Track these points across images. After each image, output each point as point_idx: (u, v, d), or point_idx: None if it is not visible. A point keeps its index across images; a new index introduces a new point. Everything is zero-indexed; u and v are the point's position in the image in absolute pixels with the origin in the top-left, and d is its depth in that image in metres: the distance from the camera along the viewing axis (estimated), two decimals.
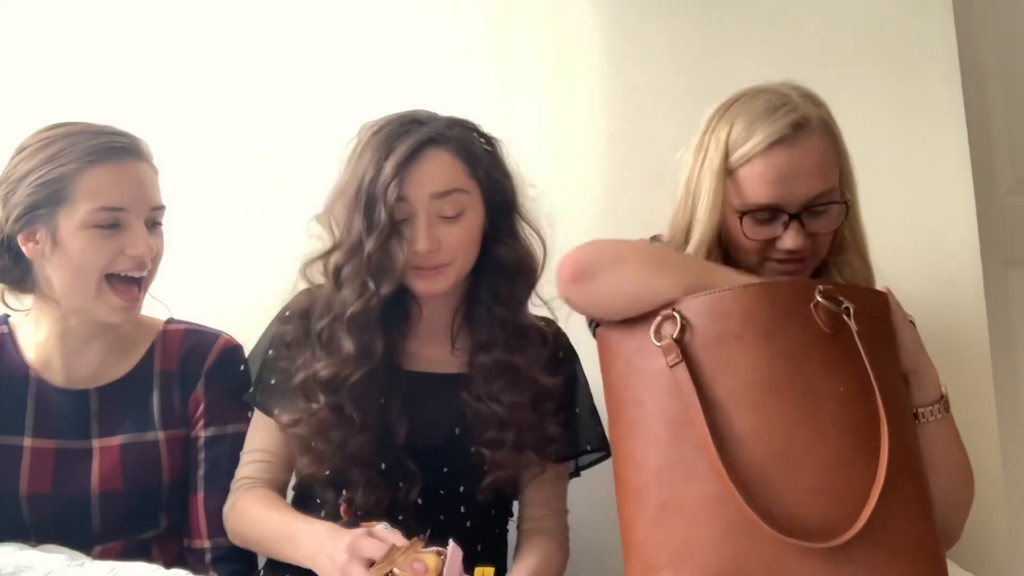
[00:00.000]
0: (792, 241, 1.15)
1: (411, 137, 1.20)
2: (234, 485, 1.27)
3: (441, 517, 1.21)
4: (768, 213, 1.16)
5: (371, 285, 1.19)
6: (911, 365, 1.08)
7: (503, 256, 1.27)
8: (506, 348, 1.25)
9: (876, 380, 0.96)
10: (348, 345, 1.20)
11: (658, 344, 1.00)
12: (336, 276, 1.22)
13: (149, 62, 1.67)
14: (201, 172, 1.64)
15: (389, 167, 1.18)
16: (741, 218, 1.17)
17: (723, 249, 1.22)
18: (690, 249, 1.21)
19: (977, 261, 1.57)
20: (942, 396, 1.10)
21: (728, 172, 1.18)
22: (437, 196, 1.20)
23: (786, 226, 1.15)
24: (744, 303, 0.99)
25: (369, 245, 1.18)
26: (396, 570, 1.00)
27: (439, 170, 1.21)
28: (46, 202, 1.18)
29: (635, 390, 1.03)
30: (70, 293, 1.21)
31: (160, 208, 1.26)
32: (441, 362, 1.29)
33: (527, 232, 1.30)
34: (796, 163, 1.14)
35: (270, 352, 1.28)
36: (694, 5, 1.64)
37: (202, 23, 1.69)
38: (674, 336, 0.99)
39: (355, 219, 1.20)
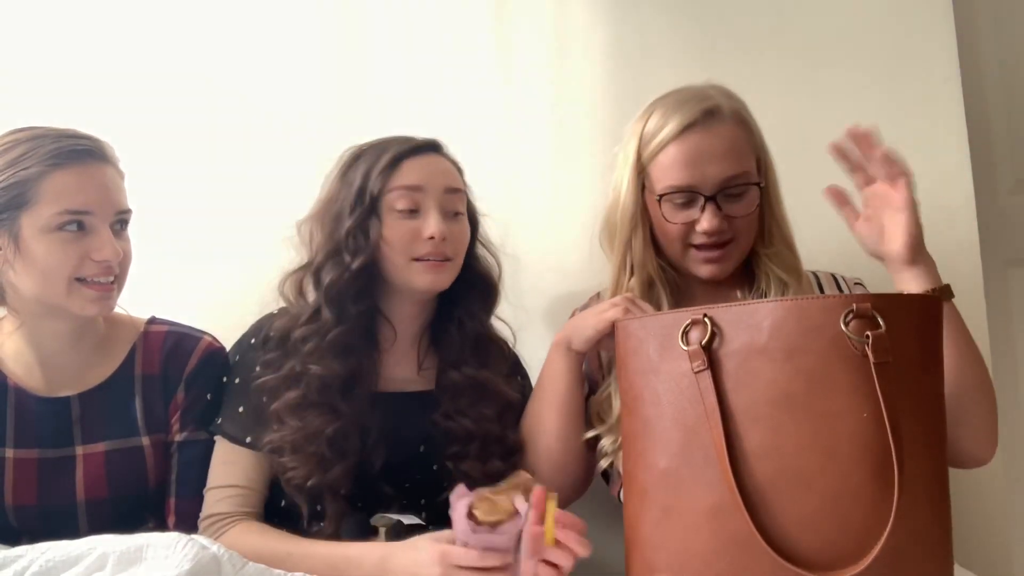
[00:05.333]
0: (708, 222, 1.21)
1: (409, 142, 1.27)
2: (205, 522, 1.22)
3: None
4: (684, 196, 1.22)
5: (347, 259, 1.22)
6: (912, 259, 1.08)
7: (477, 269, 1.33)
8: (475, 363, 1.29)
9: (894, 408, 0.91)
10: (330, 314, 1.22)
11: (685, 348, 0.99)
12: (316, 272, 1.25)
13: (133, 60, 1.65)
14: (186, 172, 1.63)
15: (386, 159, 1.24)
16: (660, 203, 1.23)
17: (654, 242, 1.29)
18: (614, 246, 1.30)
19: (977, 261, 1.57)
20: (934, 288, 1.09)
21: (645, 164, 1.25)
22: (450, 191, 1.26)
23: (703, 209, 1.21)
24: (775, 316, 0.96)
25: (348, 225, 1.22)
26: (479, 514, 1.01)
27: (448, 169, 1.28)
28: (8, 206, 1.15)
29: (654, 388, 1.02)
30: (40, 297, 1.18)
31: (126, 212, 1.23)
32: (409, 381, 1.31)
33: (487, 250, 1.36)
34: (708, 146, 1.21)
35: (237, 380, 1.27)
36: (696, 5, 1.64)
37: (197, 21, 1.67)
38: (702, 342, 0.98)
39: (340, 220, 1.24)
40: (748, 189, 1.23)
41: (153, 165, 1.57)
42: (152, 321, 1.34)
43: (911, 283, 1.10)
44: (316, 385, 1.20)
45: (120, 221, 1.22)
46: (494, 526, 1.00)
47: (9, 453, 1.22)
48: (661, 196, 1.23)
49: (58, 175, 1.16)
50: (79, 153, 1.18)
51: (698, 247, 1.24)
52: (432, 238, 1.22)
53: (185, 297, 1.52)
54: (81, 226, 1.17)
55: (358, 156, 1.29)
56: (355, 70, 1.66)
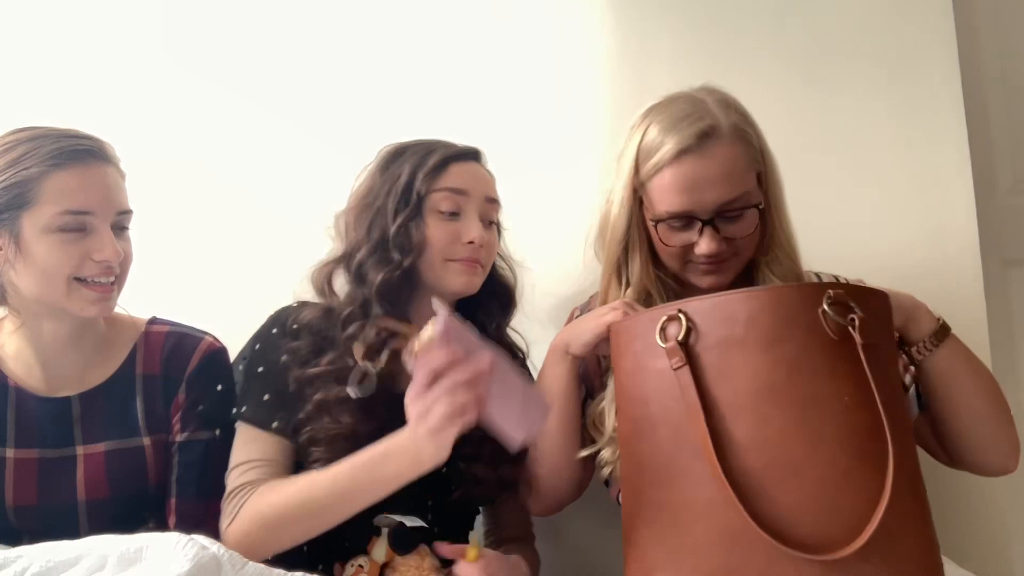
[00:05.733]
0: (707, 246, 1.18)
1: (453, 145, 1.29)
2: (229, 497, 1.19)
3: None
4: (681, 220, 1.19)
5: (396, 256, 1.23)
6: (909, 313, 1.13)
7: (498, 277, 1.35)
8: None
9: (879, 391, 0.94)
10: (380, 310, 1.22)
11: (663, 345, 1.00)
12: (359, 268, 1.25)
13: (146, 69, 1.67)
14: (192, 174, 1.65)
15: (434, 160, 1.25)
16: (656, 227, 1.21)
17: (652, 255, 1.27)
18: (604, 258, 1.29)
19: (977, 261, 1.57)
20: (939, 325, 1.14)
21: (644, 180, 1.21)
22: (490, 201, 1.29)
23: (700, 232, 1.18)
24: (749, 307, 0.97)
25: (397, 222, 1.23)
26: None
27: (489, 179, 1.31)
28: (9, 206, 1.15)
29: (641, 388, 1.03)
30: (40, 297, 1.18)
31: (127, 212, 1.23)
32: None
33: (506, 263, 1.39)
34: (703, 171, 1.16)
35: (260, 369, 1.26)
36: (696, 6, 1.64)
37: (205, 31, 1.69)
38: (679, 338, 0.98)
39: (382, 216, 1.25)
40: (747, 211, 1.20)
41: (155, 164, 1.58)
42: (153, 321, 1.34)
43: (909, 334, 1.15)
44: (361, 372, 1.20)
45: (121, 222, 1.22)
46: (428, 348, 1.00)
47: (10, 453, 1.22)
48: (658, 222, 1.21)
49: (59, 175, 1.16)
50: (80, 153, 1.18)
51: (698, 263, 1.23)
52: (471, 243, 1.24)
53: (186, 297, 1.53)
54: (82, 226, 1.17)
55: (401, 152, 1.30)
56: (355, 73, 1.67)
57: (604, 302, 1.29)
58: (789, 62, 1.61)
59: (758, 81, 1.54)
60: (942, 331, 1.13)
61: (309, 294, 1.32)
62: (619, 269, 1.28)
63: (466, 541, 1.33)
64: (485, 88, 1.66)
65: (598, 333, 1.16)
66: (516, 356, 1.38)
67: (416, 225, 1.24)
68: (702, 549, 0.95)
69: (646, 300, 1.27)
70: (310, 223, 1.36)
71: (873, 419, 0.94)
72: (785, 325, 0.96)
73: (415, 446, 1.03)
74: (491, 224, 1.30)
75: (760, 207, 1.21)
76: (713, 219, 1.18)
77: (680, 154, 1.17)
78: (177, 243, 1.61)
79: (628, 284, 1.27)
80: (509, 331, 1.39)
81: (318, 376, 1.22)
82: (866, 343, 0.94)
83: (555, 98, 1.66)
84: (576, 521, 1.48)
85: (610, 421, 1.22)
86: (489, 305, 1.34)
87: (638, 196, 1.24)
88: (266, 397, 1.24)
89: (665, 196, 1.19)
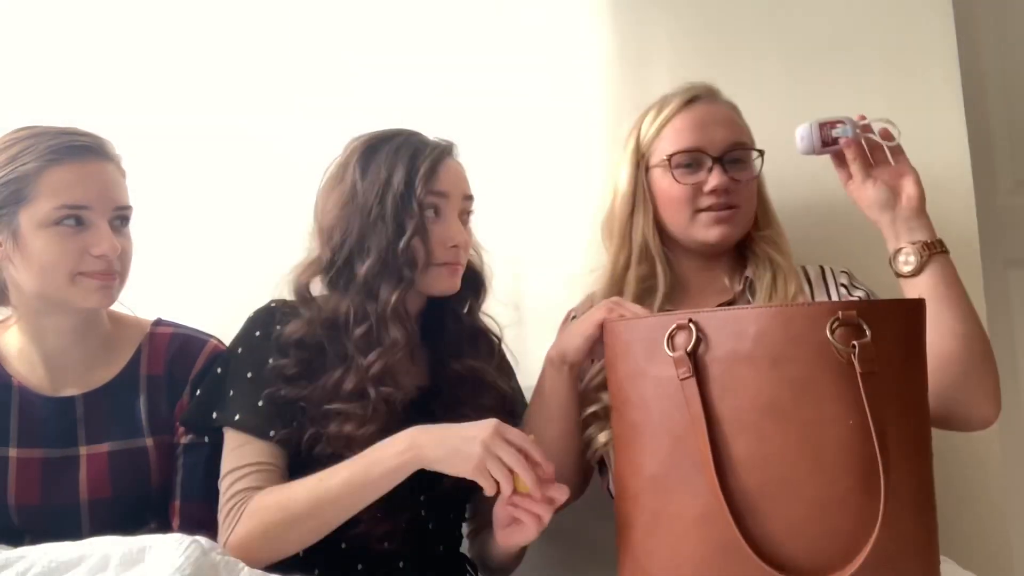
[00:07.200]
0: (717, 179, 1.29)
1: (433, 146, 1.25)
2: (225, 507, 1.15)
3: (404, 524, 1.20)
4: (691, 157, 1.31)
5: (407, 273, 1.20)
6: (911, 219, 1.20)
7: (473, 264, 1.33)
8: (472, 355, 1.30)
9: (879, 418, 0.91)
10: (397, 334, 1.19)
11: (671, 354, 0.98)
12: (366, 283, 1.20)
13: (142, 64, 1.68)
14: (192, 174, 1.65)
15: (426, 164, 1.22)
16: (671, 163, 1.30)
17: (657, 223, 1.34)
18: (617, 223, 1.36)
19: (977, 261, 1.57)
20: (935, 238, 1.20)
21: (645, 150, 1.35)
22: (467, 198, 1.27)
23: (710, 170, 1.29)
24: (760, 322, 0.96)
25: (403, 240, 1.19)
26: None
27: (464, 174, 1.29)
28: (6, 203, 1.16)
29: (642, 393, 1.01)
30: (41, 292, 1.19)
31: (126, 208, 1.23)
32: (406, 375, 1.28)
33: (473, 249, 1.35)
34: (711, 114, 1.33)
35: (249, 375, 1.20)
36: (695, 6, 1.64)
37: (196, 26, 1.69)
38: (687, 349, 0.97)
39: (378, 224, 1.19)
40: (751, 156, 1.32)
41: (159, 165, 1.58)
42: (158, 323, 1.34)
43: (921, 232, 1.20)
44: (383, 402, 1.18)
45: (120, 217, 1.22)
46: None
47: (13, 452, 1.22)
48: (671, 157, 1.30)
49: (56, 170, 1.16)
50: (77, 149, 1.19)
51: (707, 209, 1.30)
52: (456, 247, 1.22)
53: (190, 299, 1.53)
54: (79, 221, 1.17)
55: (375, 148, 1.24)
56: (356, 70, 1.67)
57: (611, 274, 1.35)
58: (788, 62, 1.60)
59: (758, 80, 1.54)
60: (935, 245, 1.18)
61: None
62: (626, 237, 1.35)
63: (460, 533, 1.34)
64: (483, 86, 1.66)
65: (589, 335, 1.16)
66: (491, 340, 1.35)
67: (422, 237, 1.20)
68: (696, 562, 0.95)
69: (644, 282, 1.31)
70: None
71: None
72: (793, 344, 0.94)
73: (435, 441, 1.07)
74: (468, 220, 1.28)
75: (762, 152, 1.33)
76: (721, 158, 1.29)
77: (689, 102, 1.33)
78: (176, 242, 1.61)
79: (631, 252, 1.33)
80: (482, 315, 1.36)
81: (322, 396, 1.18)
82: (868, 371, 0.91)
83: (554, 97, 1.66)
84: (570, 514, 1.48)
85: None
86: (462, 293, 1.30)
87: (644, 165, 1.34)
88: (260, 404, 1.19)
89: (677, 137, 1.31)
